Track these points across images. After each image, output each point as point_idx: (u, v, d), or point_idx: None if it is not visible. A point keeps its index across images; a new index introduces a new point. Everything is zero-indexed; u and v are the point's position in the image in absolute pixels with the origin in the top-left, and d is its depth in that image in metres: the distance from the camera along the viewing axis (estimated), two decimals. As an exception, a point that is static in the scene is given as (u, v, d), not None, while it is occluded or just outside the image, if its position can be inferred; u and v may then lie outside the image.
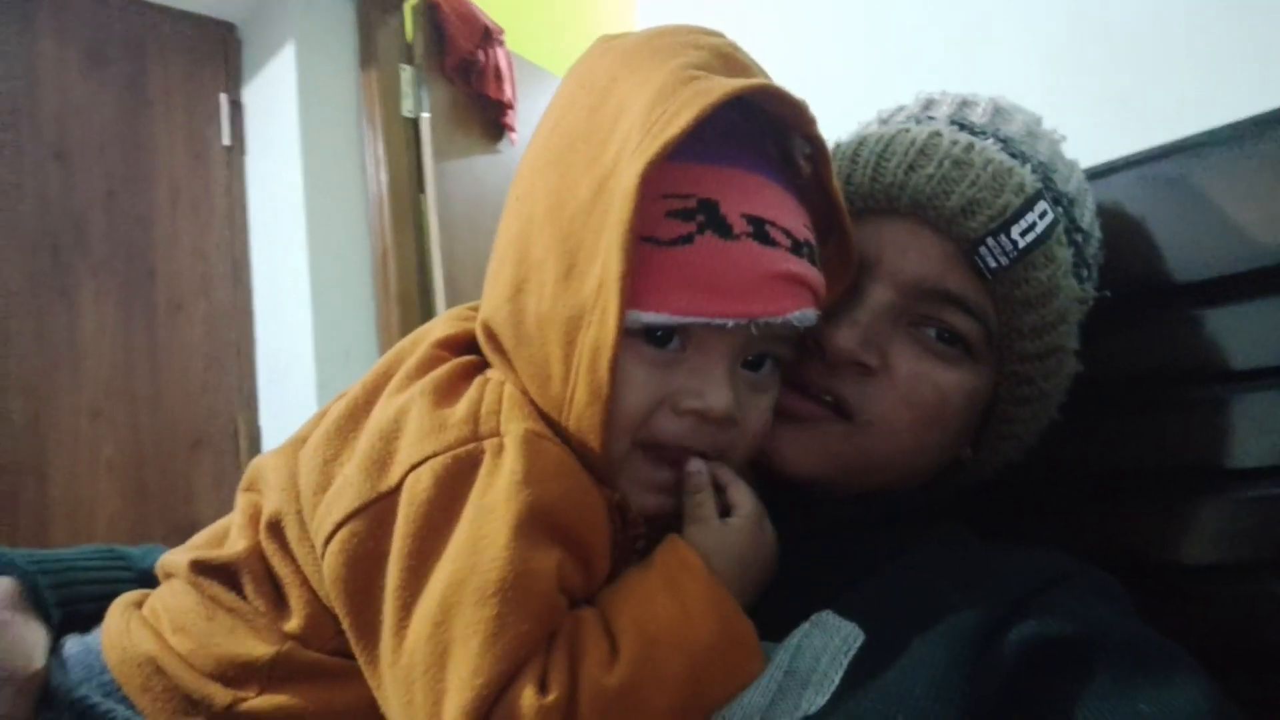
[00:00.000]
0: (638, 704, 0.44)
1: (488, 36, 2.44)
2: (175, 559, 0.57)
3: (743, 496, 0.53)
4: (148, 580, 0.61)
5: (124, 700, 0.51)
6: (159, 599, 0.56)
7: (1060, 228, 0.57)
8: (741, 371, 0.53)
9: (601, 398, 0.48)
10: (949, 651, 0.45)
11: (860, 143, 0.61)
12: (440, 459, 0.47)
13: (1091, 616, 0.46)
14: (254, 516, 0.55)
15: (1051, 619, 0.46)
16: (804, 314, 0.51)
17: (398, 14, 2.43)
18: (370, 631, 0.47)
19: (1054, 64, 0.97)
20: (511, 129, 2.58)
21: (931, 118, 0.64)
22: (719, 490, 0.54)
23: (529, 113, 2.63)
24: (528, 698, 0.42)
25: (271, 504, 0.53)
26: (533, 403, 0.51)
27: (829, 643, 0.48)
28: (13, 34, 2.14)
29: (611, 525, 0.51)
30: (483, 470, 0.47)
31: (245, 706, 0.49)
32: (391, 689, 0.46)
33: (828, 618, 0.49)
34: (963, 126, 0.61)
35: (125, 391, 2.18)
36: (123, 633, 0.53)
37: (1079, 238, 0.60)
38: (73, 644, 0.55)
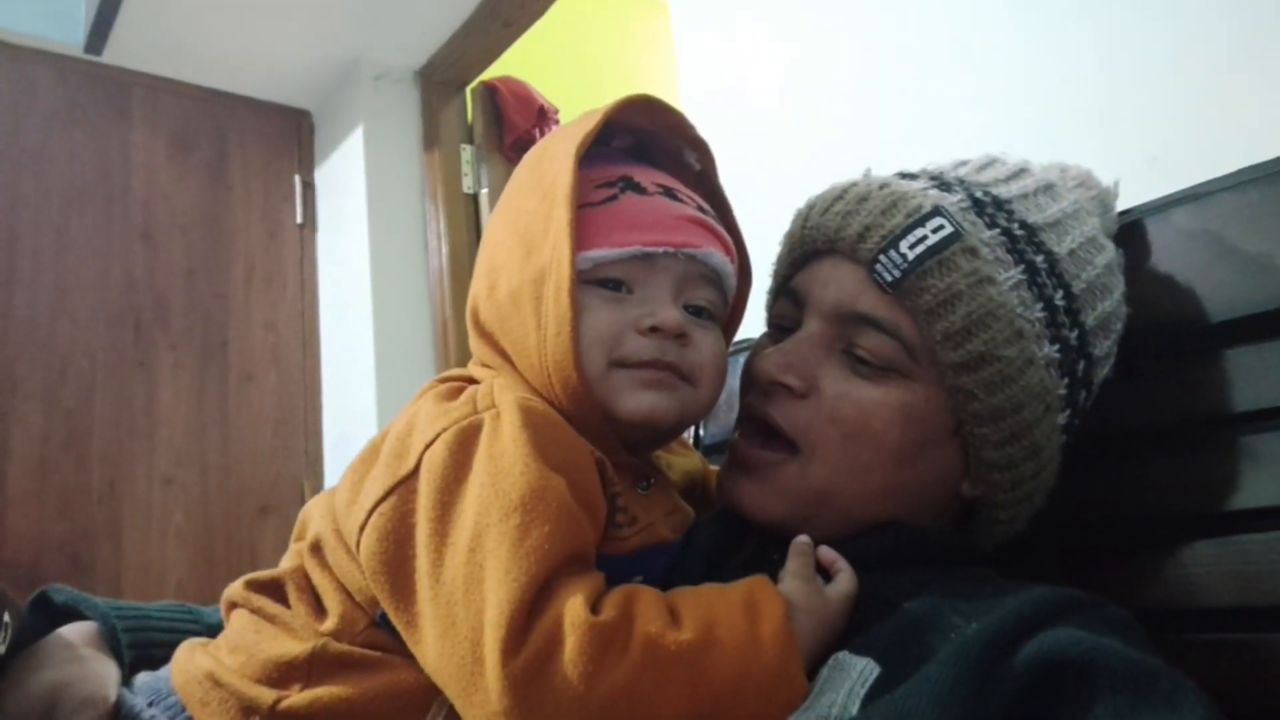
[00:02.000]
0: (677, 679, 0.47)
1: (542, 116, 2.55)
2: (234, 586, 0.63)
3: (846, 573, 0.57)
4: (215, 634, 0.65)
5: (187, 718, 0.55)
6: (220, 636, 0.61)
7: (965, 242, 0.59)
8: (684, 310, 0.61)
9: (567, 322, 0.56)
10: (955, 669, 0.45)
11: (808, 202, 0.69)
12: (448, 431, 0.54)
13: (1100, 643, 0.46)
14: (300, 552, 0.61)
15: (1059, 643, 0.46)
16: (720, 256, 0.62)
17: (459, 97, 2.56)
18: (408, 591, 0.51)
19: (1086, 121, 0.98)
20: (567, 202, 2.67)
21: (897, 172, 0.69)
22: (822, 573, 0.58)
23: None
24: (575, 607, 0.47)
25: (313, 532, 0.60)
26: (522, 383, 0.60)
27: (847, 680, 0.49)
28: (108, 123, 2.32)
29: (600, 480, 0.56)
30: (485, 430, 0.54)
31: (288, 703, 0.53)
32: (433, 626, 0.49)
33: (844, 658, 0.51)
34: (904, 176, 0.67)
35: (197, 459, 2.27)
36: (187, 660, 0.59)
37: (1039, 258, 0.61)
38: (143, 677, 0.60)
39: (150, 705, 0.56)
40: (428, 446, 0.54)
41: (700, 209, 0.63)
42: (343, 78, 2.52)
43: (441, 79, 2.52)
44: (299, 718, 0.53)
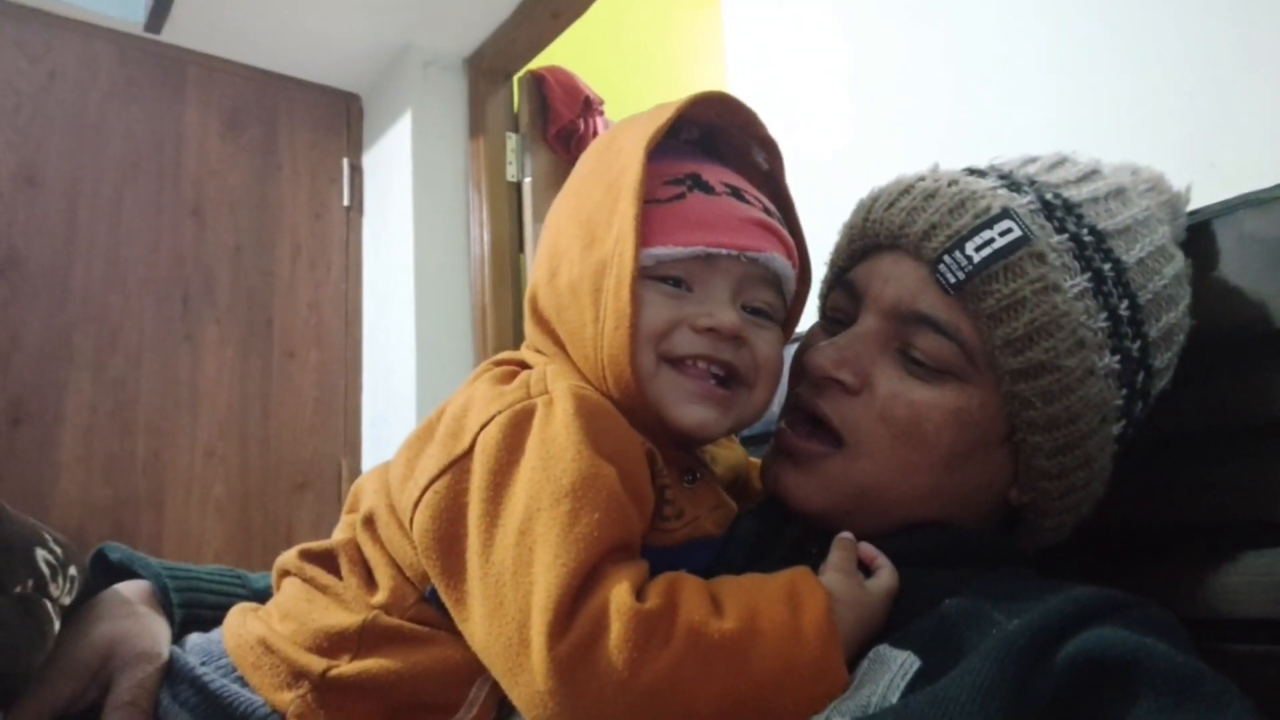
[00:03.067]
0: (719, 668, 0.48)
1: (588, 106, 2.56)
2: (288, 555, 0.64)
3: (887, 569, 0.57)
4: (261, 599, 0.67)
5: (238, 679, 0.57)
6: (271, 603, 0.63)
7: (1034, 247, 0.58)
8: (741, 311, 0.62)
9: (625, 318, 0.56)
10: (997, 663, 0.45)
11: (871, 194, 0.68)
12: (503, 414, 0.55)
13: (1145, 644, 0.46)
14: (353, 524, 0.62)
15: (1103, 641, 0.46)
16: (782, 260, 0.62)
17: (506, 86, 2.57)
18: (458, 570, 0.52)
19: (1144, 129, 0.97)
20: (609, 194, 2.68)
21: (965, 169, 0.68)
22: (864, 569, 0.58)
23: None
24: (621, 594, 0.48)
25: (366, 505, 0.61)
26: (575, 371, 0.60)
27: (887, 673, 0.49)
28: (163, 102, 2.36)
29: (650, 472, 0.57)
30: (539, 415, 0.55)
31: (337, 672, 0.55)
32: (481, 606, 0.50)
33: (885, 651, 0.51)
34: (972, 172, 0.66)
35: (238, 433, 2.31)
36: (239, 625, 0.60)
37: (1107, 266, 0.60)
38: (195, 638, 0.62)
39: (203, 665, 0.58)
40: (483, 428, 0.55)
41: (766, 210, 0.63)
42: (393, 63, 2.55)
43: (489, 67, 2.54)
44: (347, 687, 0.55)
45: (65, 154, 2.20)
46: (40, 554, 0.55)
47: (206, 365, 2.31)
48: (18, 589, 0.52)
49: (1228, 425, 0.66)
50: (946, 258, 0.59)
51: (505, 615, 0.49)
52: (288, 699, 0.55)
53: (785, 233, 0.64)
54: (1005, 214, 0.59)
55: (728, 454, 0.75)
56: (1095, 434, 0.60)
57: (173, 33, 2.37)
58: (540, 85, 2.57)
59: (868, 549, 0.58)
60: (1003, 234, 0.58)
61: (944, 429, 0.59)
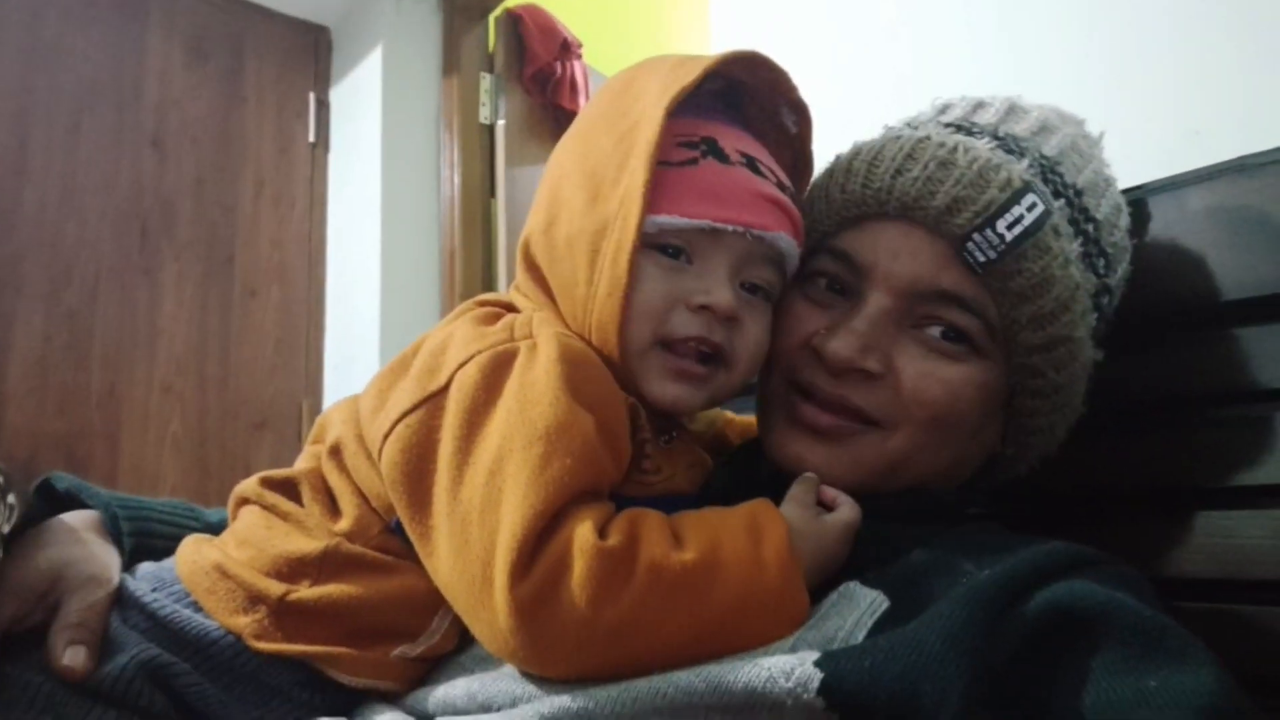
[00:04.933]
0: (682, 600, 0.48)
1: (565, 49, 2.50)
2: (247, 482, 0.63)
3: (846, 504, 0.57)
4: (215, 533, 0.66)
5: (191, 604, 0.56)
6: (227, 531, 0.62)
7: (1053, 220, 0.58)
8: (739, 289, 0.60)
9: (620, 287, 0.55)
10: (967, 609, 0.46)
11: (855, 152, 0.65)
12: (484, 354, 0.54)
13: (1113, 597, 0.47)
14: (317, 454, 0.62)
15: (1072, 593, 0.47)
16: (788, 239, 0.60)
17: (481, 24, 2.51)
18: (425, 504, 0.52)
19: (1127, 97, 0.96)
20: (584, 141, 2.63)
21: (941, 122, 0.66)
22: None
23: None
24: (584, 533, 0.48)
25: (332, 436, 0.60)
26: (561, 323, 0.59)
27: (855, 609, 0.50)
28: (124, 27, 2.27)
29: (629, 426, 0.57)
30: (520, 359, 0.54)
31: (296, 597, 0.55)
32: (446, 542, 0.50)
33: (854, 588, 0.52)
34: (960, 128, 0.64)
35: (196, 370, 2.27)
36: (193, 553, 0.59)
37: (1090, 227, 0.60)
38: (146, 566, 0.61)
39: (154, 591, 0.57)
40: (460, 366, 0.54)
41: (780, 185, 0.61)
42: (364, -6, 2.47)
43: (464, 4, 2.47)
44: (306, 611, 0.55)
45: (17, 75, 2.11)
46: None
47: (165, 301, 2.25)
48: None
49: (1198, 392, 0.67)
50: (976, 236, 0.57)
51: (470, 553, 0.49)
52: (244, 623, 0.54)
53: (795, 210, 0.62)
54: (1028, 187, 0.57)
55: (705, 411, 0.74)
56: (1082, 390, 0.62)
57: (133, -49, 2.26)
58: (517, 24, 2.51)
59: (828, 490, 0.58)
60: (1029, 209, 0.57)
61: (972, 405, 0.60)
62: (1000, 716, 0.44)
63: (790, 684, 0.45)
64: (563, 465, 0.49)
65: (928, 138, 0.61)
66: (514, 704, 0.51)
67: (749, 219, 0.58)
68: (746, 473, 0.65)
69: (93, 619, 0.54)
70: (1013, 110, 0.65)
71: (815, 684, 0.44)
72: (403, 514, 0.54)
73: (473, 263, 2.37)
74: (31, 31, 2.13)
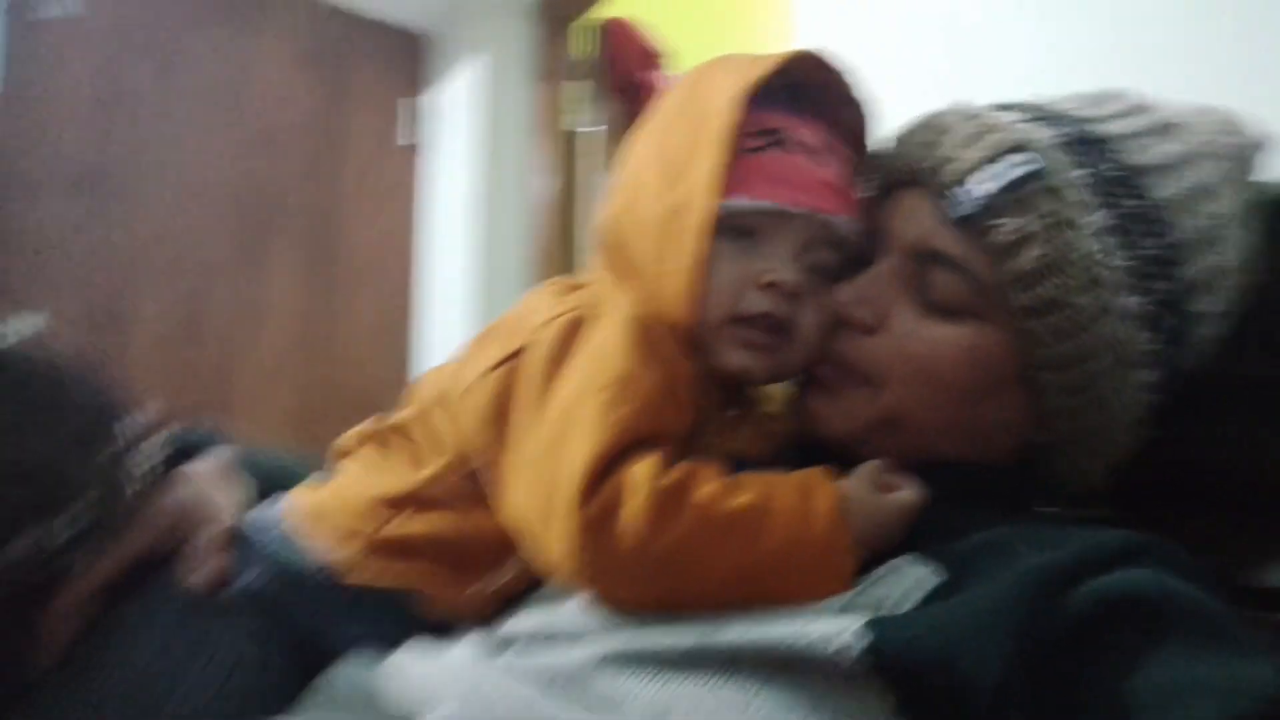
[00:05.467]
0: (729, 541, 0.52)
1: (651, 60, 2.58)
2: (347, 435, 0.71)
3: (910, 486, 0.58)
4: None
5: (297, 541, 0.63)
6: (330, 479, 0.69)
7: (1049, 181, 0.57)
8: (803, 270, 0.63)
9: (693, 266, 0.60)
10: (1017, 589, 0.47)
11: (893, 132, 0.68)
12: (561, 318, 0.60)
13: (1174, 585, 0.47)
14: (409, 412, 0.68)
15: (1136, 581, 0.47)
16: (849, 222, 0.64)
17: (572, 33, 2.60)
18: (502, 447, 0.58)
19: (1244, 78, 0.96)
20: (666, 147, 2.70)
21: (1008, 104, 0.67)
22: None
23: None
24: (642, 471, 0.53)
25: (423, 395, 0.67)
26: (633, 301, 0.62)
27: (906, 581, 0.52)
28: (240, 33, 2.43)
29: (694, 390, 0.61)
30: (593, 323, 0.59)
31: (385, 533, 0.61)
32: (519, 479, 0.57)
33: (906, 562, 0.53)
34: (1002, 107, 0.65)
35: (300, 355, 2.42)
36: (301, 495, 0.67)
37: (1131, 203, 0.58)
38: (261, 507, 0.68)
39: (266, 528, 0.65)
40: (540, 328, 0.60)
41: (838, 173, 0.65)
42: (462, 3, 2.59)
43: (557, 13, 2.56)
44: (393, 546, 0.61)
45: (144, 75, 2.28)
46: (125, 424, 0.62)
47: (272, 289, 2.40)
48: (108, 451, 0.59)
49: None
50: (957, 190, 0.59)
51: (539, 485, 0.55)
52: (340, 557, 0.61)
53: (854, 195, 0.66)
54: (1019, 147, 0.58)
55: (780, 393, 0.77)
56: (1109, 375, 0.58)
57: (254, -36, 2.43)
58: (606, 34, 2.59)
59: (893, 475, 0.59)
60: (1013, 167, 0.57)
61: (959, 365, 0.60)
62: (1046, 695, 0.45)
63: (836, 646, 0.47)
64: (627, 411, 0.55)
65: (944, 111, 0.64)
66: (580, 638, 0.55)
67: (813, 202, 0.62)
68: (816, 456, 0.65)
69: (214, 547, 0.62)
70: (1106, 98, 0.64)
71: (859, 648, 0.46)
72: (482, 458, 0.60)
73: (556, 264, 2.46)
74: (156, 36, 2.31)
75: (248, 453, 0.75)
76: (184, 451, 0.74)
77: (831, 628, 0.48)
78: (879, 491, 0.57)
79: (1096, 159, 0.59)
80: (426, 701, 0.53)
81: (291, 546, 0.63)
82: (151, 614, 0.60)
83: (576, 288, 0.67)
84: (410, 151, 2.67)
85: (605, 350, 0.58)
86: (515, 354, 0.60)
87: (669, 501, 0.52)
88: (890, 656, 0.46)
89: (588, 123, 2.53)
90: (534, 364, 0.59)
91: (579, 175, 2.52)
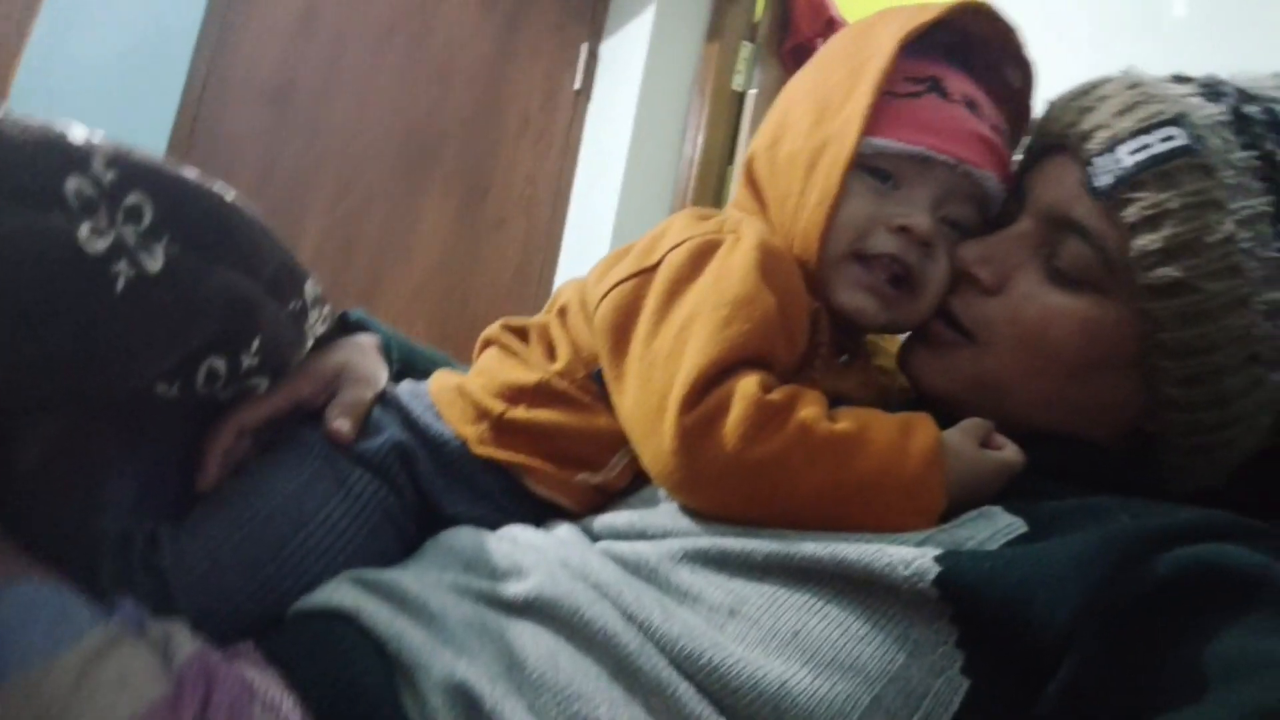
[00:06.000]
0: (822, 461, 0.53)
1: (830, 26, 2.50)
2: (492, 326, 0.75)
3: (1010, 448, 0.58)
4: None
5: (435, 413, 0.68)
6: (472, 368, 0.74)
7: (1200, 158, 0.54)
8: (940, 222, 0.63)
9: (829, 199, 0.61)
10: (1105, 542, 0.46)
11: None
12: (694, 240, 0.62)
13: (1261, 562, 0.45)
14: (548, 314, 0.73)
15: (1232, 554, 0.45)
16: (995, 180, 0.64)
17: (753, -6, 2.56)
18: (623, 351, 0.61)
19: None
20: (831, 120, 2.64)
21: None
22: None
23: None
24: (748, 384, 0.55)
25: (561, 300, 0.71)
26: (769, 230, 0.65)
27: (990, 527, 0.51)
28: (426, -32, 2.52)
29: (809, 326, 0.63)
30: (724, 247, 0.61)
31: (511, 415, 0.66)
32: (635, 381, 0.59)
33: (994, 510, 0.53)
34: (1175, 79, 0.61)
35: (443, 284, 2.51)
36: (442, 376, 0.72)
37: None
38: (407, 383, 0.73)
39: (410, 397, 0.70)
40: (673, 248, 0.63)
41: (996, 128, 0.64)
42: (645, -44, 2.59)
43: (738, -28, 2.53)
44: (517, 429, 0.66)
45: (338, 2, 2.40)
46: (308, 286, 0.66)
47: (424, 220, 2.50)
48: (291, 305, 0.62)
49: None
50: (1098, 160, 0.57)
51: (651, 389, 0.57)
52: (470, 431, 0.66)
53: (1007, 154, 0.65)
54: (1174, 121, 0.55)
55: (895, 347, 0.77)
56: (1237, 372, 0.55)
57: (450, -99, 2.50)
58: (788, -2, 2.54)
59: (998, 436, 0.59)
60: (1163, 140, 0.55)
61: (1071, 337, 0.58)
62: (1116, 652, 0.44)
63: (908, 572, 0.47)
64: (741, 329, 0.57)
65: (1109, 78, 0.61)
66: (665, 537, 0.57)
67: (960, 152, 0.62)
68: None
69: (359, 404, 0.67)
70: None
71: (931, 576, 0.47)
72: (604, 360, 0.63)
73: (703, 221, 2.45)
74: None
75: (399, 336, 0.81)
76: (344, 326, 0.80)
77: (909, 554, 0.48)
78: (975, 442, 0.57)
79: (1272, 143, 0.56)
80: (520, 569, 0.57)
81: (432, 416, 0.68)
82: (302, 453, 0.65)
83: (713, 215, 0.68)
84: (580, 98, 2.70)
85: (729, 272, 0.60)
86: (647, 270, 0.63)
87: (770, 416, 0.54)
88: (960, 588, 0.46)
89: (752, 84, 2.49)
90: (662, 280, 0.61)
91: (741, 136, 2.49)
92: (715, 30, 2.52)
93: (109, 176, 0.51)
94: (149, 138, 2.19)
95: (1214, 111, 0.57)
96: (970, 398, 0.63)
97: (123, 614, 0.48)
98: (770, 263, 0.61)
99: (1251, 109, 0.57)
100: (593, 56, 2.71)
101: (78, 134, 0.51)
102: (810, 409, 0.55)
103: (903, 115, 0.62)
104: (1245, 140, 0.56)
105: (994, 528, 0.51)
